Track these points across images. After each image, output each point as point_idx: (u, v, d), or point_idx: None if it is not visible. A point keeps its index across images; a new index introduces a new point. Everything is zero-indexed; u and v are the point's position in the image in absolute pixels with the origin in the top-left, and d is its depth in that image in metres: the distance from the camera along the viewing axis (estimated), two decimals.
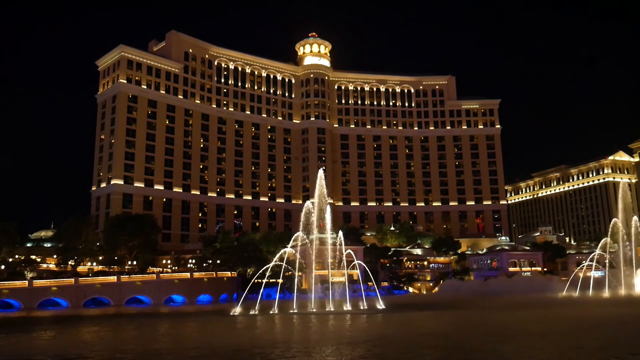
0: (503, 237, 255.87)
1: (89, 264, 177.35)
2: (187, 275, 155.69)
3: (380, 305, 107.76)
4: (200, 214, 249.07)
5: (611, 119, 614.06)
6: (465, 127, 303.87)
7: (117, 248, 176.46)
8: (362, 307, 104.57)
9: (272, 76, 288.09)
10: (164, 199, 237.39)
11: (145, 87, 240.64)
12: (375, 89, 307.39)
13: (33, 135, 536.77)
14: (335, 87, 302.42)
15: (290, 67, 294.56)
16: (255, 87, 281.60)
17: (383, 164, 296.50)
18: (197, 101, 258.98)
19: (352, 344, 48.35)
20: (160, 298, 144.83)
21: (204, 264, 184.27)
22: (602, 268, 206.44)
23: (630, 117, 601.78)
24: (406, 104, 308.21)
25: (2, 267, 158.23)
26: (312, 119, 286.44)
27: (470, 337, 53.14)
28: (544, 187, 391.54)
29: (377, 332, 61.97)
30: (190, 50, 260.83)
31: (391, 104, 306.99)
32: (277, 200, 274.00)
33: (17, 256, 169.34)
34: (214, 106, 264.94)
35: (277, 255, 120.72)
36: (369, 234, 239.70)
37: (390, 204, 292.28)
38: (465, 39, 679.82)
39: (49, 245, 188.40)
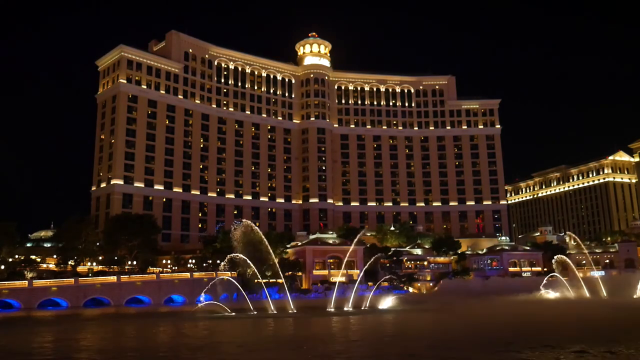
0: (503, 237, 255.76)
1: (89, 264, 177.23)
2: (187, 275, 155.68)
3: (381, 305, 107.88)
4: (200, 214, 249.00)
5: (611, 119, 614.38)
6: (465, 127, 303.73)
7: (117, 248, 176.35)
8: (363, 308, 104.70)
9: (272, 76, 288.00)
10: (164, 199, 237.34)
11: (145, 87, 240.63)
12: (375, 89, 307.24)
13: (33, 135, 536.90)
14: (335, 87, 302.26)
15: (290, 67, 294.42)
16: (255, 87, 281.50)
17: (383, 164, 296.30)
18: (197, 101, 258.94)
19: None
20: (160, 298, 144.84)
21: (204, 264, 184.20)
22: (602, 268, 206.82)
23: (630, 117, 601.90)
24: (406, 104, 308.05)
25: (2, 267, 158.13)
26: (312, 119, 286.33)
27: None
28: (544, 187, 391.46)
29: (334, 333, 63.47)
30: (190, 50, 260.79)
31: (391, 104, 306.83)
32: (277, 200, 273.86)
33: (17, 256, 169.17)
34: (214, 106, 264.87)
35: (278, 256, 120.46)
36: (369, 234, 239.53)
37: (390, 204, 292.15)
38: (465, 39, 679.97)
39: (49, 245, 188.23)
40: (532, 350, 45.02)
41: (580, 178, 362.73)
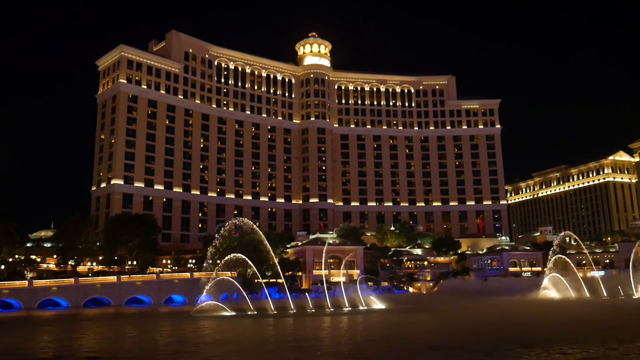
0: (503, 237, 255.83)
1: (89, 264, 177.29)
2: (187, 275, 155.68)
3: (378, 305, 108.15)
4: (200, 214, 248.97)
5: (611, 119, 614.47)
6: (465, 127, 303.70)
7: (117, 248, 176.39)
8: (361, 307, 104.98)
9: (272, 76, 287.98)
10: (164, 199, 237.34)
11: (145, 87, 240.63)
12: (375, 89, 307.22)
13: (33, 135, 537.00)
14: (335, 87, 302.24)
15: (290, 67, 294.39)
16: (255, 87, 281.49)
17: (383, 164, 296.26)
18: (197, 101, 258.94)
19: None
20: (160, 298, 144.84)
21: (204, 264, 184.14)
22: (602, 268, 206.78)
23: (630, 117, 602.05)
24: (406, 104, 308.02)
25: (2, 267, 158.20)
26: (312, 119, 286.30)
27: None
28: (544, 187, 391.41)
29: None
30: (190, 50, 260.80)
31: (391, 104, 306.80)
32: (277, 200, 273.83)
33: (17, 256, 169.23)
34: (214, 106, 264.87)
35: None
36: (369, 234, 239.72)
37: (390, 204, 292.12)
38: (465, 39, 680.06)
39: (49, 245, 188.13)
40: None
41: (580, 178, 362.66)
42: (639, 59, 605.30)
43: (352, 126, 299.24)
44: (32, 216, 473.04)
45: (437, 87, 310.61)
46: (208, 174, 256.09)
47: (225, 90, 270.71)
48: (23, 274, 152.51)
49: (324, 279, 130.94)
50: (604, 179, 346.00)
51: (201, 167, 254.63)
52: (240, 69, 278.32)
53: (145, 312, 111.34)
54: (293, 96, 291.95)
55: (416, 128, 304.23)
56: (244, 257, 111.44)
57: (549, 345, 47.45)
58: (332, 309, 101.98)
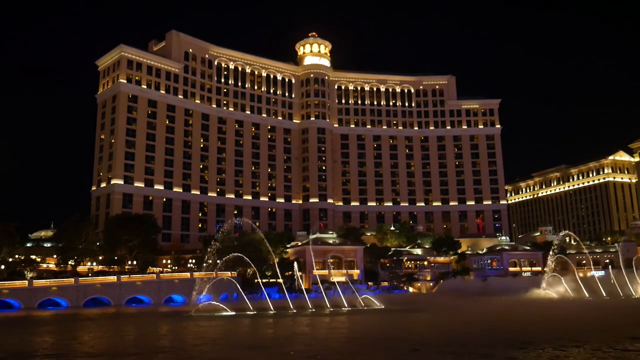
0: (503, 237, 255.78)
1: (89, 264, 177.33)
2: (187, 275, 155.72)
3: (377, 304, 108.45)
4: (200, 214, 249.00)
5: (611, 119, 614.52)
6: (465, 127, 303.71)
7: (117, 248, 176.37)
8: (360, 307, 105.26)
9: (272, 76, 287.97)
10: (164, 199, 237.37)
11: (145, 87, 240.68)
12: (375, 89, 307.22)
13: (33, 135, 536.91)
14: (335, 87, 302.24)
15: (290, 67, 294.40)
16: (255, 87, 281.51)
17: (383, 164, 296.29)
18: (197, 101, 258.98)
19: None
20: (160, 298, 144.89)
21: (204, 264, 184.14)
22: (602, 268, 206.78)
23: (630, 117, 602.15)
24: (406, 104, 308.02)
25: (2, 267, 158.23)
26: (312, 119, 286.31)
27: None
28: (544, 187, 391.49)
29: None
30: (190, 50, 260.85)
31: (391, 104, 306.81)
32: (277, 200, 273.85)
33: (17, 256, 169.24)
34: (214, 106, 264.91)
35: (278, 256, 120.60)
36: (369, 234, 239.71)
37: (390, 204, 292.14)
38: (465, 39, 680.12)
39: (49, 245, 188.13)
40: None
41: (580, 178, 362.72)
42: (639, 59, 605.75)
43: (352, 126, 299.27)
44: (32, 216, 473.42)
45: (437, 87, 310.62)
46: (208, 174, 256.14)
47: (225, 90, 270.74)
48: (23, 274, 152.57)
49: (318, 279, 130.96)
50: (604, 179, 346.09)
51: (201, 167, 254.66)
52: (240, 69, 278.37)
53: (145, 312, 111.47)
54: (293, 96, 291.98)
55: (416, 128, 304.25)
56: (244, 257, 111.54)
57: (548, 345, 47.52)
58: (331, 309, 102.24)
